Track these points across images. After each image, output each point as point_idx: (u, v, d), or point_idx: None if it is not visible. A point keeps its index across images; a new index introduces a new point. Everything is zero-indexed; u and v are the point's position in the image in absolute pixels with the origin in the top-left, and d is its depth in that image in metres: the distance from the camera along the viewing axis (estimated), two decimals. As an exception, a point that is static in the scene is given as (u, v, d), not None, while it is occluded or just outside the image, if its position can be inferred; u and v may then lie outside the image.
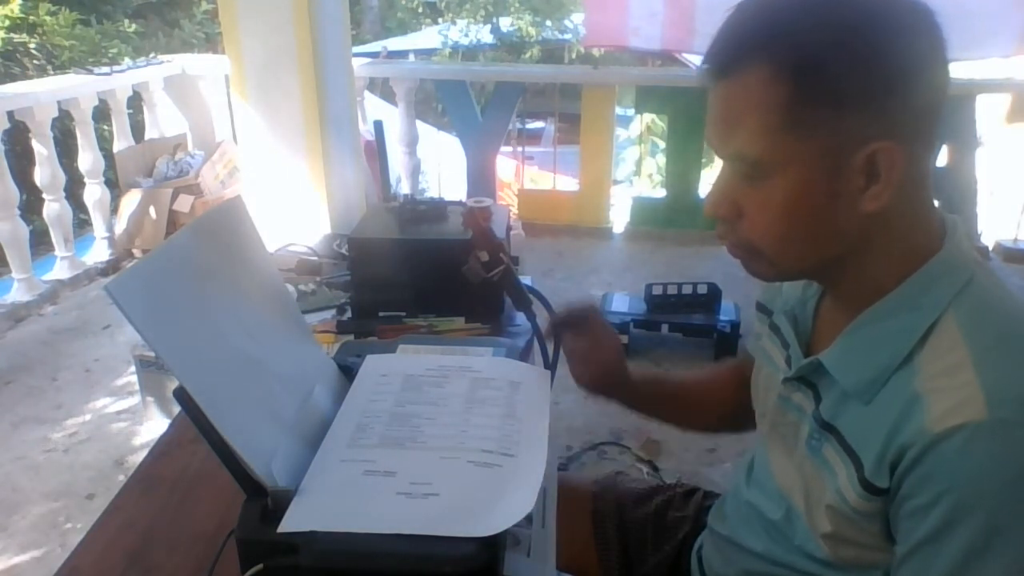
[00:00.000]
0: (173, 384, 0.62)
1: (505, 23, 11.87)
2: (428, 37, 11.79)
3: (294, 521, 0.62)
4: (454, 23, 11.88)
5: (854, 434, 0.67)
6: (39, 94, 3.37)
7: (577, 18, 10.83)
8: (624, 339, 2.90)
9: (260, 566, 0.61)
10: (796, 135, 0.61)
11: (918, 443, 0.60)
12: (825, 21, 0.59)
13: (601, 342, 0.94)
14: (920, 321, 0.64)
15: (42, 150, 3.36)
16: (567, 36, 11.82)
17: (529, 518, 0.78)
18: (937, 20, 0.61)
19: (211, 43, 7.25)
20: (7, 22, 5.85)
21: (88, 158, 3.62)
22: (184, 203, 3.75)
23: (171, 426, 1.08)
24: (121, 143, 3.87)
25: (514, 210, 4.28)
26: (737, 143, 0.64)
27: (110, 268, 3.71)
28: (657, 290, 2.96)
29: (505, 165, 5.24)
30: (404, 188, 4.17)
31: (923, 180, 0.66)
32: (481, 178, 4.24)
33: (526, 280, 1.11)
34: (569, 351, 0.94)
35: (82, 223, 4.00)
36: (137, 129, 4.14)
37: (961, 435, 0.58)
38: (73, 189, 3.69)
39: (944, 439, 0.58)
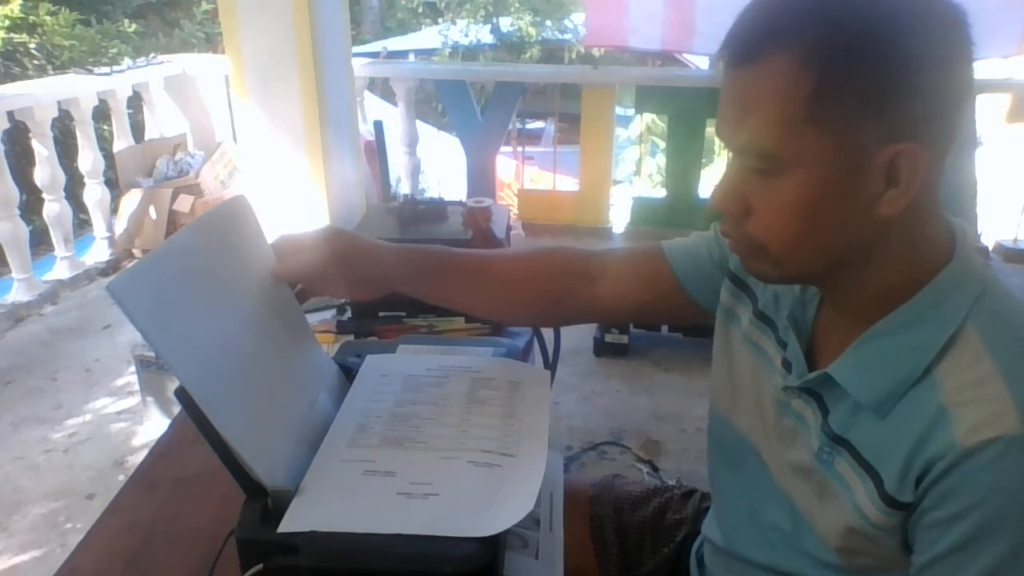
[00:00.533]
0: (173, 384, 0.62)
1: (505, 23, 11.86)
2: (428, 37, 11.79)
3: (294, 521, 0.62)
4: (454, 23, 11.87)
5: (870, 448, 0.65)
6: (39, 94, 3.37)
7: (577, 18, 10.83)
8: (624, 339, 2.90)
9: (260, 566, 0.61)
10: (816, 130, 0.58)
11: (947, 456, 0.59)
12: (859, 13, 0.57)
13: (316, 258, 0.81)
14: (938, 334, 0.63)
15: (42, 150, 3.36)
16: (567, 36, 11.81)
17: (537, 521, 0.78)
18: (967, 19, 0.59)
19: (211, 43, 7.25)
20: (7, 22, 5.86)
21: (88, 158, 3.62)
22: (184, 203, 3.76)
23: (171, 426, 1.08)
24: (121, 143, 3.87)
25: (514, 210, 4.28)
26: (752, 134, 0.61)
27: (110, 268, 3.71)
28: (657, 290, 2.96)
29: (505, 165, 5.24)
30: (404, 188, 4.17)
31: (936, 186, 0.64)
32: (481, 178, 4.24)
33: (526, 280, 1.11)
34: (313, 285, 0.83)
35: (82, 223, 4.00)
36: (137, 129, 4.14)
37: (994, 448, 0.57)
38: (73, 189, 3.69)
39: (976, 452, 0.57)
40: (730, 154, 0.65)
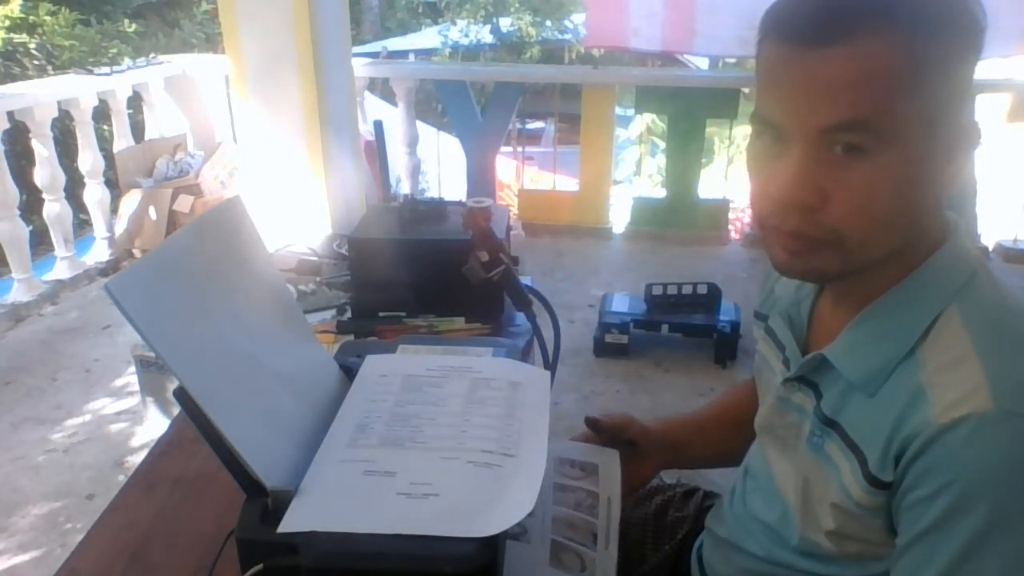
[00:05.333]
0: (173, 384, 0.62)
1: (505, 23, 11.87)
2: (428, 37, 11.80)
3: (294, 521, 0.62)
4: (454, 23, 11.88)
5: (857, 429, 0.66)
6: (39, 94, 3.37)
7: (577, 18, 10.84)
8: (624, 339, 2.90)
9: (260, 566, 0.61)
10: (916, 101, 0.58)
11: (923, 434, 0.59)
12: None
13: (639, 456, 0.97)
14: (924, 314, 0.64)
15: (42, 150, 3.36)
16: (567, 36, 11.81)
17: (594, 537, 0.79)
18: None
19: (211, 43, 7.25)
20: (7, 22, 5.86)
21: (88, 158, 3.62)
22: (184, 203, 3.75)
23: (171, 426, 1.08)
24: (121, 143, 3.87)
25: (514, 210, 4.28)
26: (853, 110, 0.58)
27: (110, 268, 3.71)
28: (657, 290, 2.96)
29: (505, 165, 5.24)
30: (404, 188, 4.17)
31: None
32: (481, 178, 4.24)
33: (526, 280, 1.11)
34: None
35: (82, 223, 4.00)
36: (137, 129, 4.14)
37: (966, 425, 0.58)
38: (73, 189, 3.69)
39: (949, 430, 0.58)
40: (799, 141, 0.61)
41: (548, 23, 11.84)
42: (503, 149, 4.70)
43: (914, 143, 0.59)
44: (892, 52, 0.57)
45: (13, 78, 5.37)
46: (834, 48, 0.58)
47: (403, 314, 1.32)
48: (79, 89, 3.57)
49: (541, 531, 0.80)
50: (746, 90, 4.06)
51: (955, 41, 0.59)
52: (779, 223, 0.63)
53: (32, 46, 6.01)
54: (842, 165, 0.60)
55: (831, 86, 0.58)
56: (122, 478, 2.06)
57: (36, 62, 6.01)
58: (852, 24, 0.57)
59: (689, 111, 3.98)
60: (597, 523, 0.82)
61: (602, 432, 0.96)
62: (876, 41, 0.57)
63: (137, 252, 3.77)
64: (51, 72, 5.64)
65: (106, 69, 3.91)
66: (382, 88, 5.44)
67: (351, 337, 1.27)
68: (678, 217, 4.14)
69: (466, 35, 11.65)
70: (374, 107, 5.26)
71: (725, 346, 2.86)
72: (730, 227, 4.28)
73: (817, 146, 0.60)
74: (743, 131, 5.33)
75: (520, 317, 1.23)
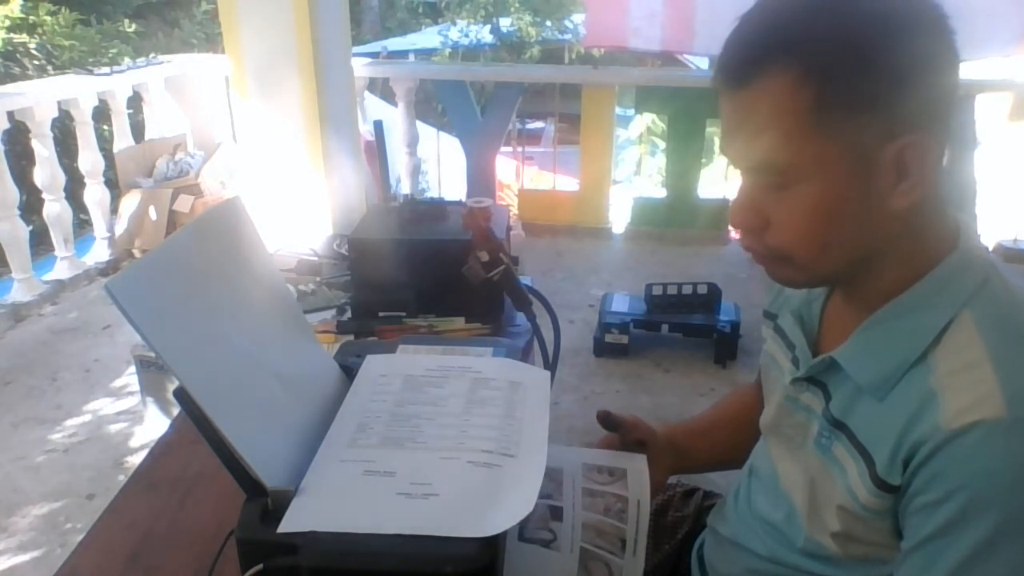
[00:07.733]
0: (173, 384, 0.62)
1: (505, 23, 11.87)
2: (428, 37, 11.81)
3: (294, 521, 0.62)
4: (454, 23, 11.89)
5: (866, 432, 0.66)
6: (39, 94, 3.37)
7: (577, 18, 10.84)
8: (624, 339, 2.90)
9: (260, 566, 0.61)
10: (822, 137, 0.60)
11: (932, 439, 0.59)
12: (840, 22, 0.59)
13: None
14: (936, 319, 0.64)
15: (42, 150, 3.36)
16: (567, 36, 11.83)
17: (622, 544, 0.79)
18: (946, 15, 0.61)
19: (211, 43, 7.24)
20: (7, 22, 5.86)
21: (88, 158, 3.62)
22: (184, 203, 3.75)
23: (171, 426, 1.08)
24: (121, 143, 3.87)
25: (514, 210, 4.28)
26: (762, 153, 0.62)
27: (110, 268, 3.71)
28: (657, 290, 2.96)
29: (505, 165, 5.24)
30: (404, 188, 4.17)
31: (940, 177, 0.66)
32: (481, 178, 4.24)
33: (526, 280, 1.11)
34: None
35: (82, 223, 3.99)
36: (137, 129, 4.13)
37: (977, 432, 0.58)
38: (73, 189, 3.69)
39: (959, 436, 0.58)
40: (741, 172, 0.67)
41: (548, 23, 11.85)
42: (503, 149, 4.70)
43: (831, 175, 0.61)
44: (793, 92, 0.59)
45: (13, 78, 5.37)
46: (745, 90, 0.62)
47: (403, 314, 1.32)
48: (79, 89, 3.57)
49: (571, 538, 0.80)
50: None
51: (863, 78, 0.59)
52: (741, 240, 0.69)
53: (32, 46, 6.01)
54: (773, 194, 0.64)
55: (744, 127, 0.63)
56: (122, 478, 2.06)
57: (36, 62, 6.01)
58: (758, 65, 0.60)
59: (689, 111, 3.98)
60: (626, 528, 0.82)
61: (615, 427, 0.96)
62: (780, 80, 0.59)
63: (137, 252, 3.77)
64: (51, 72, 5.64)
65: (106, 69, 3.91)
66: (382, 88, 5.44)
67: (351, 337, 1.27)
68: (678, 217, 4.14)
69: (466, 35, 11.66)
70: (374, 107, 5.26)
71: (725, 346, 2.86)
72: (730, 227, 4.28)
73: (754, 176, 0.65)
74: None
75: (520, 317, 1.23)
